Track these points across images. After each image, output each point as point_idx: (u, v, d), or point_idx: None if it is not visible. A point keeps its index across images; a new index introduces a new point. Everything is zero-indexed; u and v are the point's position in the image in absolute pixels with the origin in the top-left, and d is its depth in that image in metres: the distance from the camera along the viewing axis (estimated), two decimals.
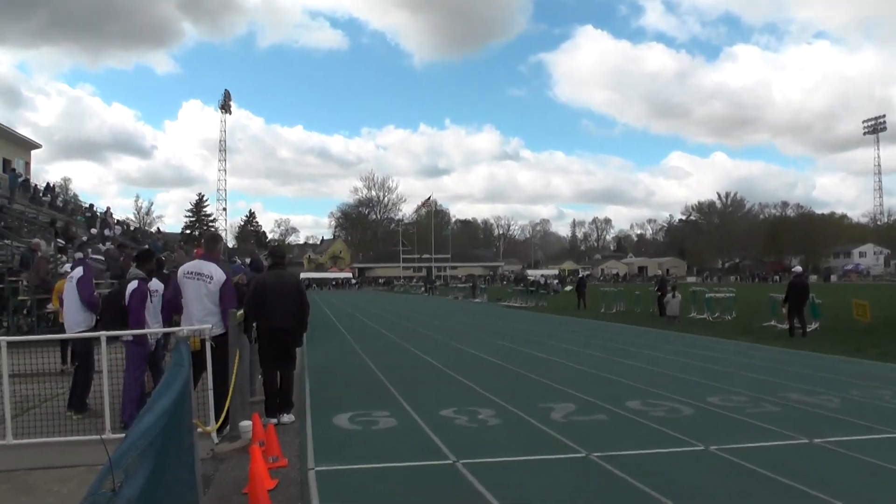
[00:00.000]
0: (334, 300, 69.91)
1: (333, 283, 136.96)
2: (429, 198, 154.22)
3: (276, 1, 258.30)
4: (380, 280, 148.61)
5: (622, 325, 31.61)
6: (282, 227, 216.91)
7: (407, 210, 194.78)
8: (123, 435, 4.94)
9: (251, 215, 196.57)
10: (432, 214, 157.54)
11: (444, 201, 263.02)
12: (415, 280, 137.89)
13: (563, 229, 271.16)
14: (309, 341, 23.55)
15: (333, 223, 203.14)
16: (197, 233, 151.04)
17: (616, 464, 9.21)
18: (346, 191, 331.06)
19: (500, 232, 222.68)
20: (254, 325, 12.57)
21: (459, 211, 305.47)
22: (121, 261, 26.60)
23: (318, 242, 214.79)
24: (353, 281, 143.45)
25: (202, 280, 11.27)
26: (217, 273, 11.33)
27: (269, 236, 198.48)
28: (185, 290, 11.35)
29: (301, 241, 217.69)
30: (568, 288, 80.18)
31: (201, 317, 11.14)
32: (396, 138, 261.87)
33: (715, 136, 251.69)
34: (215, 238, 12.04)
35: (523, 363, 18.52)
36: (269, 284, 12.20)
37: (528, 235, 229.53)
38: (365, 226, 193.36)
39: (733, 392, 13.96)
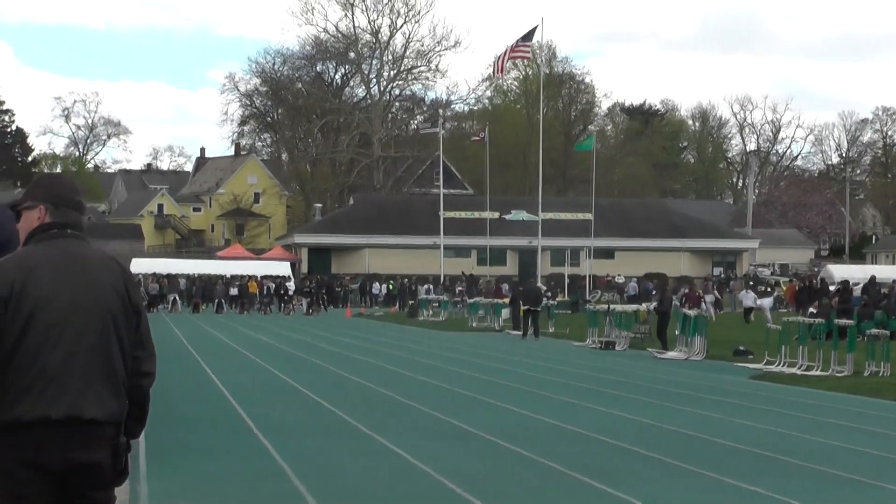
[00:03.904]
0: (244, 351, 25.45)
1: (234, 287, 54.84)
2: (532, 31, 55.94)
3: None
4: (374, 284, 63.75)
5: None
6: (83, 123, 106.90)
7: (457, 81, 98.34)
8: None
9: None
10: (540, 90, 67.45)
11: (572, 50, 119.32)
12: (485, 281, 60.53)
13: None
14: (150, 450, 9.43)
15: (236, 114, 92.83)
16: None
17: None
18: (271, 23, 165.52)
19: (752, 146, 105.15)
20: None
21: (620, 87, 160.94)
22: None
23: (190, 171, 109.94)
24: (290, 286, 55.95)
25: None
26: None
27: (36, 151, 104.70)
28: None
29: (134, 165, 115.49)
30: None
31: None
32: None
33: None
34: None
35: None
36: (40, 284, 3.57)
37: (838, 156, 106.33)
38: (331, 125, 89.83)
39: None
